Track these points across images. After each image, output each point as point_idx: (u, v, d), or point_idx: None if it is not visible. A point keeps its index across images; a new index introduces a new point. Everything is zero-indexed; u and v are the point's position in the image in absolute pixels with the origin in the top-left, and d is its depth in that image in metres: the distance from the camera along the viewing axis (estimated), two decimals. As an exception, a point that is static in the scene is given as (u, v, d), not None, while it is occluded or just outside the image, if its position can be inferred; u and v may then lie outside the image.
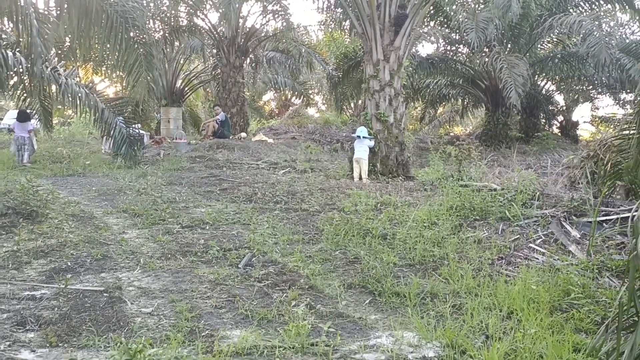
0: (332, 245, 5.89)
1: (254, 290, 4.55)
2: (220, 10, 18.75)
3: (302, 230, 6.62)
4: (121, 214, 7.35)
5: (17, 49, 11.53)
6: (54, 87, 12.45)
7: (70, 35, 13.46)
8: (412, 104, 25.14)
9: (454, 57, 21.12)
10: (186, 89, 26.00)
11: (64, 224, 6.57)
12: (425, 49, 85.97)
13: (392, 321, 3.95)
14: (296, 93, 29.71)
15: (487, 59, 18.52)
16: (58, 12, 10.63)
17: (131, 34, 10.51)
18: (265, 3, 17.79)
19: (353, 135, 11.58)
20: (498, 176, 10.18)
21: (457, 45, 20.67)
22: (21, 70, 11.81)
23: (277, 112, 40.89)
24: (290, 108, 35.23)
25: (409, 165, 11.47)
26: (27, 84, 13.25)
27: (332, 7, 14.76)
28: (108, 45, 10.83)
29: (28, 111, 14.22)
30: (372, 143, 10.82)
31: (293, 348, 3.46)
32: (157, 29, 19.59)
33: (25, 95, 14.01)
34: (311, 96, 32.78)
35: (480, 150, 12.35)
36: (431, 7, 17.00)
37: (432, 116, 28.66)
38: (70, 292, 4.41)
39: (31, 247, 5.60)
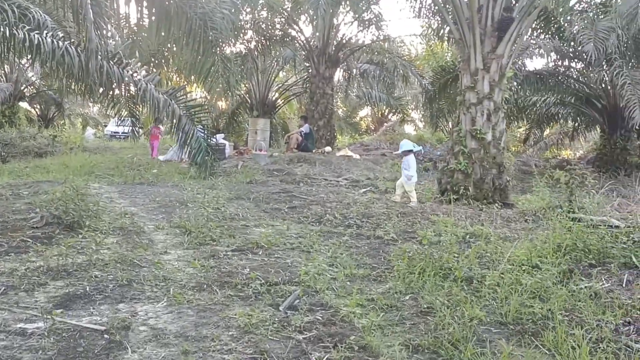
0: (403, 287, 4.70)
1: (290, 345, 3.52)
2: (314, 22, 18.15)
3: (369, 263, 5.50)
4: (172, 230, 6.61)
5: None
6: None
7: (159, 42, 13.25)
8: (515, 123, 23.14)
9: (566, 73, 19.08)
10: (279, 100, 25.69)
11: (105, 239, 5.91)
12: (534, 63, 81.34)
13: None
14: (392, 109, 28.57)
15: (605, 75, 16.50)
16: (139, 17, 10.37)
17: (210, 37, 9.96)
18: (356, 10, 16.81)
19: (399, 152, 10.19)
20: (618, 209, 8.51)
21: (570, 59, 18.60)
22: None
23: (373, 128, 40.18)
24: (385, 124, 34.25)
25: (507, 190, 10.01)
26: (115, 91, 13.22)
27: (429, 12, 13.54)
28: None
29: None
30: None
31: None
32: (250, 39, 19.40)
33: (113, 101, 14.02)
34: (407, 112, 31.60)
35: (595, 177, 10.58)
36: (541, 17, 15.37)
37: (538, 137, 26.25)
38: (68, 329, 3.59)
39: (55, 265, 4.91)
